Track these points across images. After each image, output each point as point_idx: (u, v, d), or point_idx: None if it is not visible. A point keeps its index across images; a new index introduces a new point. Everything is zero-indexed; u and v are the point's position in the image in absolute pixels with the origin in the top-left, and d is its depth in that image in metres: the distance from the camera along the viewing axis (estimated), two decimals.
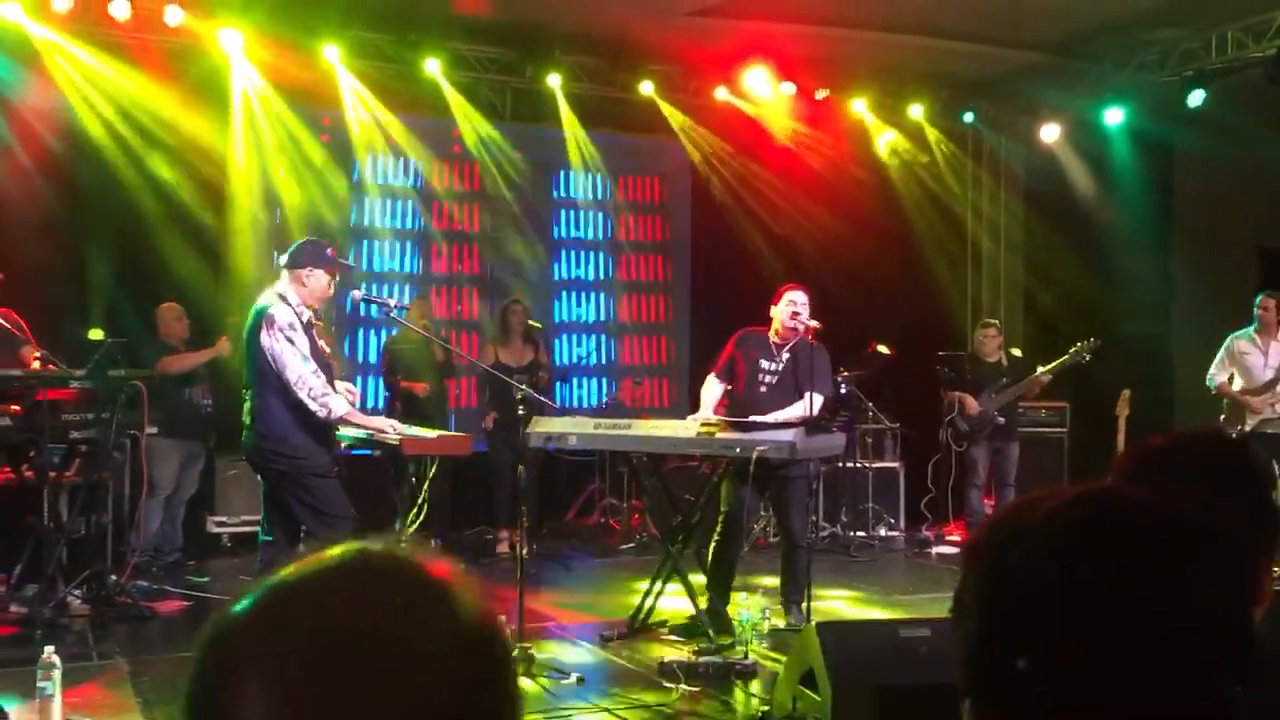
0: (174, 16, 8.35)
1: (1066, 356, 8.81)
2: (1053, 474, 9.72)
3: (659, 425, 6.73)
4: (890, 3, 8.81)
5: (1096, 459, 8.53)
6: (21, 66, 8.37)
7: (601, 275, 11.06)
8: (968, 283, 12.07)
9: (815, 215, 10.55)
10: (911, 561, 9.34)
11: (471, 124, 9.92)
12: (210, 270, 8.92)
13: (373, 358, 9.88)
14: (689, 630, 6.35)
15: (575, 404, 10.54)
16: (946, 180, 11.46)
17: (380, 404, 9.19)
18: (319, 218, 9.61)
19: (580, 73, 9.97)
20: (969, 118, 11.18)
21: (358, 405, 5.94)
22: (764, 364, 6.66)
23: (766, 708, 4.86)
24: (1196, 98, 9.63)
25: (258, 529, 5.90)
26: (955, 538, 9.64)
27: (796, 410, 6.41)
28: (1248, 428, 8.25)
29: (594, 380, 10.95)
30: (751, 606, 6.08)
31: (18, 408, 6.24)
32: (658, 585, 6.48)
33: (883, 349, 9.17)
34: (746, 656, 5.71)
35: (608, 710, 5.12)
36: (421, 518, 6.43)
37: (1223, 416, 8.43)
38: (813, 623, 4.80)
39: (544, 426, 6.45)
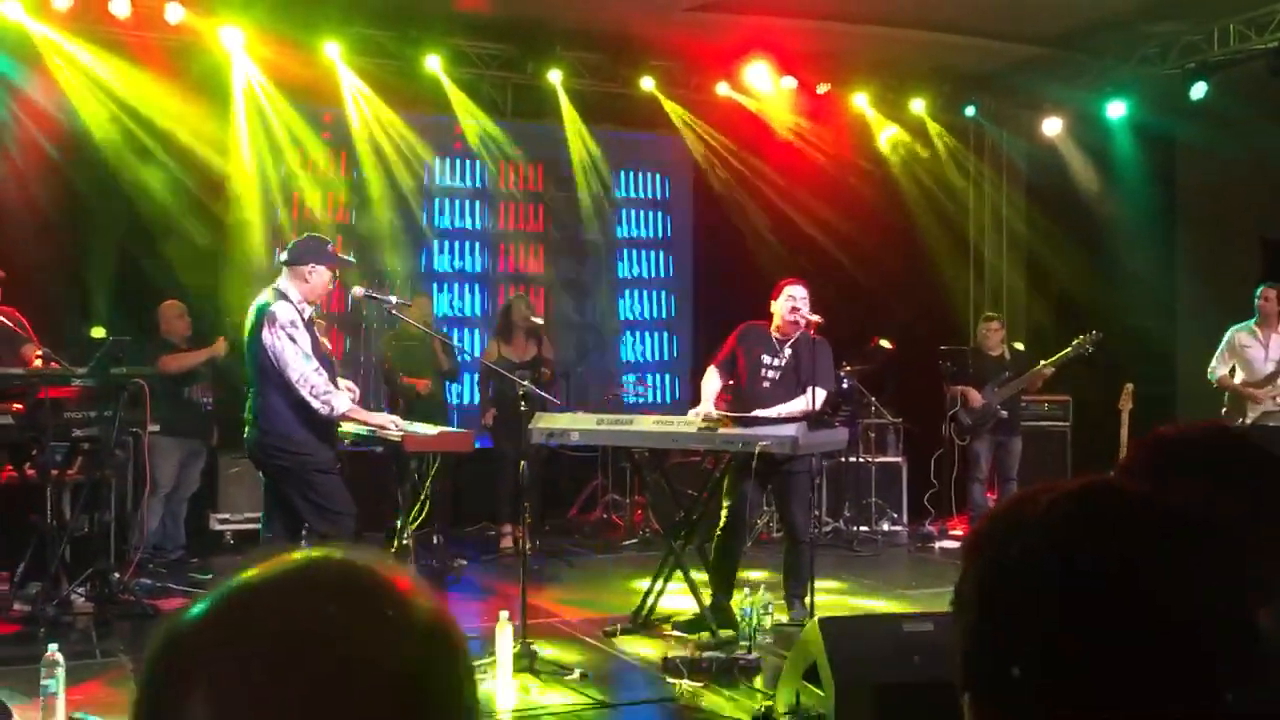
0: (174, 14, 8.34)
1: (1069, 350, 8.80)
2: (1055, 468, 9.71)
3: (661, 421, 6.73)
4: None
5: (1099, 453, 8.52)
6: (22, 65, 8.37)
7: (601, 272, 11.04)
8: (970, 277, 12.06)
9: (817, 210, 10.54)
10: (914, 556, 9.34)
11: (473, 120, 9.91)
12: (212, 268, 8.93)
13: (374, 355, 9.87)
14: (692, 626, 6.36)
15: (577, 399, 10.53)
16: (948, 174, 11.45)
17: (381, 401, 9.18)
18: (319, 215, 9.60)
19: (581, 69, 9.96)
20: (971, 112, 11.16)
21: (358, 402, 5.93)
22: (766, 359, 6.65)
23: (769, 703, 4.86)
24: (1199, 90, 9.61)
25: (260, 526, 5.90)
26: (958, 532, 9.63)
27: (798, 405, 6.40)
28: (1249, 420, 8.24)
29: (597, 376, 10.94)
30: (754, 602, 6.08)
31: (20, 406, 6.24)
32: (660, 581, 6.48)
33: (885, 343, 9.16)
34: (749, 652, 5.71)
35: (611, 706, 5.12)
36: (424, 514, 6.43)
37: (1224, 409, 8.42)
38: (815, 618, 4.79)
39: (547, 422, 6.45)
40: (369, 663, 0.77)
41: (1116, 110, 10.40)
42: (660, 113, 10.32)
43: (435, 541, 8.23)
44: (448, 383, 9.33)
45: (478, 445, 7.30)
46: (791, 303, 6.53)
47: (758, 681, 5.39)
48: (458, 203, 10.42)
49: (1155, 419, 8.88)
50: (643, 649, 6.08)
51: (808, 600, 6.41)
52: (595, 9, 9.18)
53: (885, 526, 9.94)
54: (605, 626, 6.43)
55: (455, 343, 9.52)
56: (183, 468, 8.03)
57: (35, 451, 6.51)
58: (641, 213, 11.19)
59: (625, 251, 11.10)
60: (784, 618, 6.48)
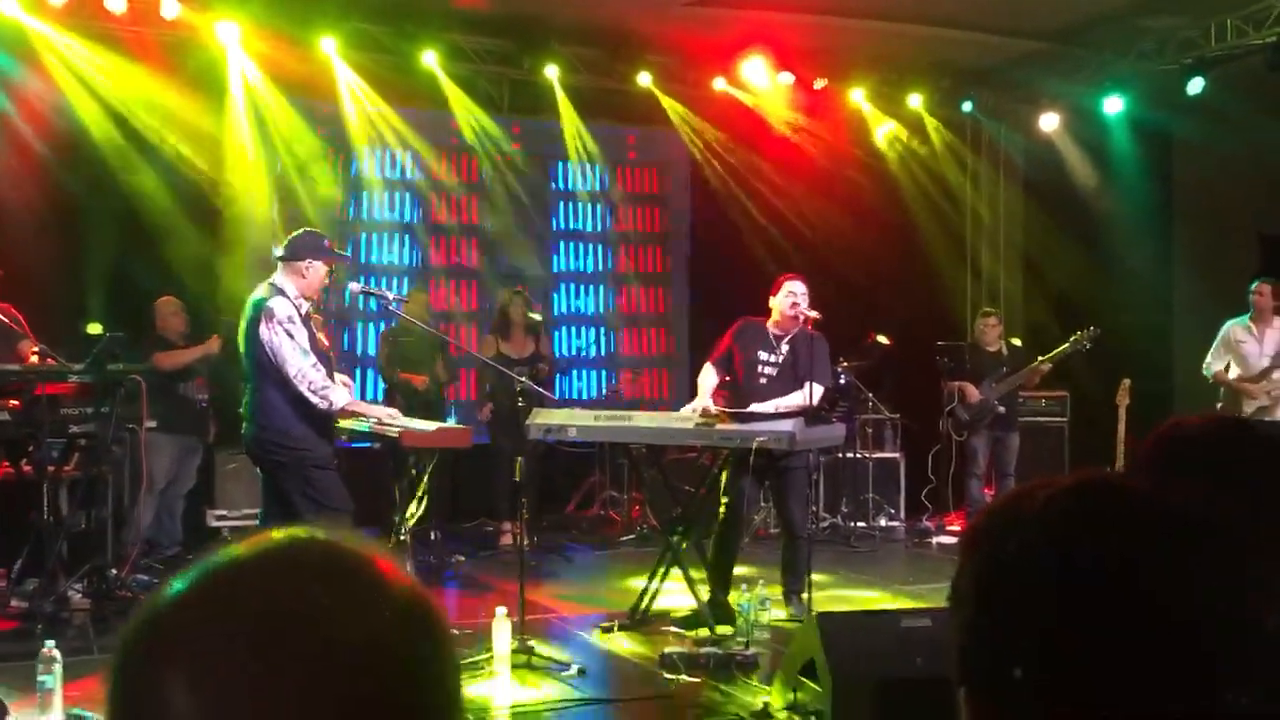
0: (170, 9, 8.32)
1: (1066, 345, 8.80)
2: (1053, 463, 9.71)
3: (658, 416, 6.73)
4: None
5: (1097, 448, 8.53)
6: (17, 60, 8.35)
7: (600, 267, 11.04)
8: (967, 272, 12.06)
9: (814, 206, 10.54)
10: (912, 552, 9.35)
11: (469, 116, 9.90)
12: (208, 263, 8.91)
13: (371, 350, 9.86)
14: (690, 621, 6.36)
15: (574, 396, 10.54)
16: (945, 170, 11.44)
17: (379, 396, 9.18)
18: (316, 209, 9.59)
19: (578, 64, 9.94)
20: (968, 107, 11.16)
21: (355, 397, 5.93)
22: (763, 356, 6.65)
23: (767, 699, 4.86)
24: (1196, 85, 9.60)
25: (257, 522, 5.90)
26: (956, 528, 9.64)
27: (795, 400, 6.40)
28: (1244, 415, 8.25)
29: (593, 372, 10.95)
30: (752, 597, 6.08)
31: (16, 402, 6.23)
32: (658, 577, 6.48)
33: (882, 339, 9.17)
34: (747, 647, 5.72)
35: (609, 701, 5.12)
36: (421, 510, 6.43)
37: (1219, 404, 8.44)
38: (813, 613, 4.80)
39: (544, 418, 6.45)
40: (350, 642, 0.77)
41: (1114, 105, 10.39)
42: (657, 108, 10.31)
43: (433, 537, 8.23)
44: (446, 374, 9.32)
45: (475, 441, 7.30)
46: (792, 298, 6.53)
47: (755, 678, 5.39)
48: (454, 198, 10.40)
49: (1153, 414, 8.91)
50: (640, 645, 6.08)
51: (805, 596, 6.42)
52: (592, 4, 9.17)
53: (883, 522, 9.95)
54: (603, 622, 6.43)
55: (453, 340, 9.50)
56: (178, 464, 8.02)
57: (32, 448, 6.50)
58: (638, 208, 11.18)
59: (622, 246, 11.09)
60: (782, 613, 6.48)
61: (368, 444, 6.58)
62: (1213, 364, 8.47)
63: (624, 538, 9.28)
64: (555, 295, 10.84)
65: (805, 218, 10.53)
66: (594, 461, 9.94)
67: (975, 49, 10.11)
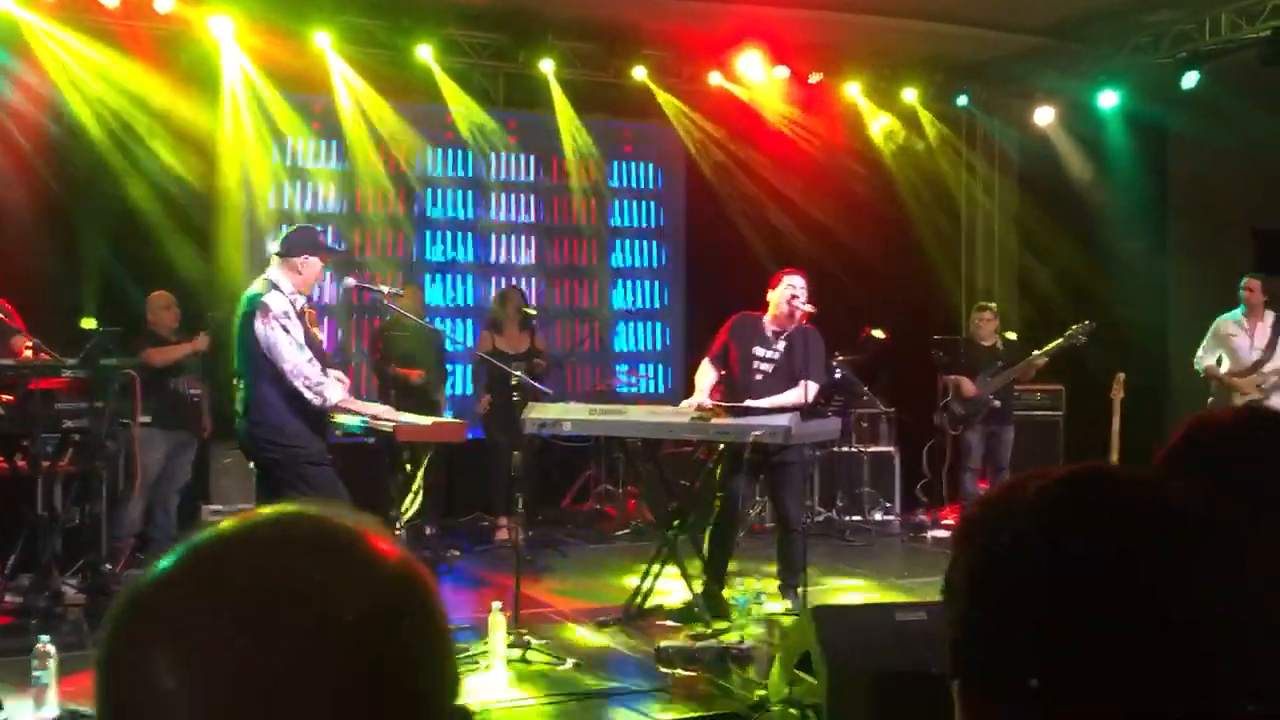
0: (164, 3, 8.31)
1: (1061, 339, 8.81)
2: (1048, 457, 9.71)
3: (654, 411, 6.73)
4: None
5: (1092, 442, 8.54)
6: (10, 54, 8.32)
7: (594, 261, 11.03)
8: (962, 266, 12.06)
9: (809, 200, 10.53)
10: (907, 546, 9.36)
11: (464, 110, 9.88)
12: (201, 258, 8.89)
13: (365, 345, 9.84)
14: (685, 615, 6.36)
15: (569, 390, 10.53)
16: (940, 164, 11.44)
17: (373, 392, 9.16)
18: (311, 204, 9.57)
19: (573, 58, 9.93)
20: (963, 101, 11.16)
21: (348, 393, 5.91)
22: (759, 351, 6.64)
23: (763, 692, 4.86)
24: (1191, 80, 9.60)
25: None
26: (950, 522, 9.64)
27: (791, 397, 6.40)
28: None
29: (588, 366, 10.94)
30: (747, 591, 6.09)
31: (10, 397, 6.22)
32: (654, 571, 6.48)
33: (877, 333, 9.16)
34: (743, 641, 5.72)
35: (604, 695, 5.13)
36: (417, 505, 6.42)
37: (1210, 399, 8.46)
38: (809, 607, 4.80)
39: (539, 413, 6.44)
40: (341, 616, 0.76)
41: (1108, 100, 10.40)
42: (652, 102, 10.29)
43: (428, 532, 8.22)
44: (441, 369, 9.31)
45: (470, 436, 7.29)
46: (791, 291, 6.53)
47: (751, 671, 5.40)
48: (449, 192, 10.38)
49: (1148, 408, 8.88)
50: (636, 639, 6.08)
51: (801, 590, 6.42)
52: None
53: (878, 516, 9.96)
54: (599, 616, 6.43)
55: (448, 334, 9.49)
56: (169, 459, 7.96)
57: (26, 443, 6.48)
58: (633, 202, 11.17)
59: (617, 241, 11.08)
60: (777, 607, 6.48)
61: (363, 439, 6.56)
62: (1204, 358, 8.50)
63: (619, 532, 9.28)
64: (551, 290, 10.82)
65: (800, 212, 10.52)
66: (589, 456, 9.94)
67: (970, 43, 10.10)
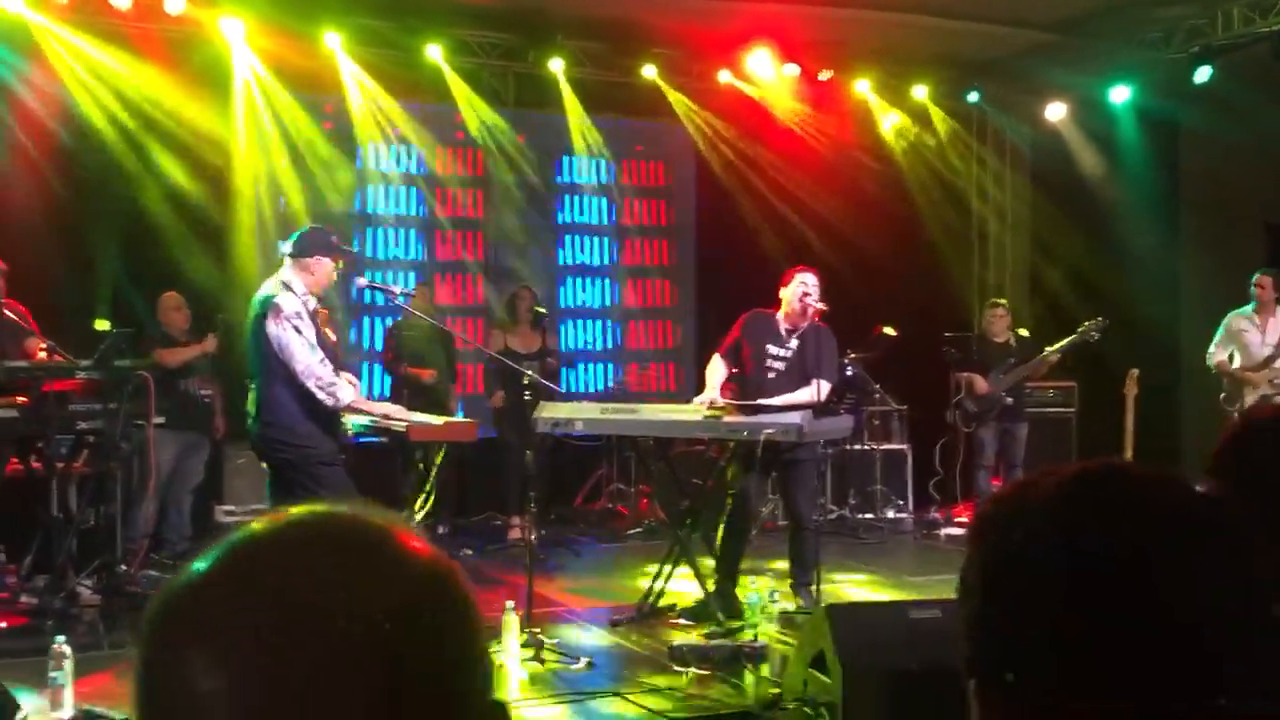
0: (175, 5, 8.33)
1: (1074, 336, 8.78)
2: (1060, 454, 9.69)
3: (665, 409, 6.72)
4: None
5: (1105, 439, 8.51)
6: (22, 57, 8.36)
7: (606, 260, 11.03)
8: (974, 263, 12.03)
9: (820, 197, 10.51)
10: (920, 543, 9.34)
11: (474, 110, 9.89)
12: (214, 259, 8.91)
13: (378, 345, 9.86)
14: (698, 614, 6.35)
15: (581, 389, 10.54)
16: (951, 161, 11.41)
17: (386, 391, 9.18)
18: (322, 205, 9.59)
19: (582, 57, 9.93)
20: (974, 98, 11.12)
21: (361, 393, 5.93)
22: (772, 349, 6.63)
23: (776, 690, 4.86)
24: (1203, 74, 9.56)
25: None
26: (963, 519, 9.62)
27: (803, 396, 6.39)
28: (1246, 405, 8.25)
29: (600, 365, 10.95)
30: (760, 590, 6.08)
31: (25, 399, 6.25)
32: (666, 569, 6.48)
33: (889, 331, 9.14)
34: (756, 640, 5.71)
35: (618, 694, 5.13)
36: (429, 504, 6.44)
37: (1222, 394, 8.44)
38: (822, 605, 4.79)
39: (551, 412, 6.45)
40: (374, 614, 0.76)
41: (1120, 95, 10.36)
42: (662, 101, 10.29)
43: (440, 532, 8.23)
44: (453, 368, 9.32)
45: (483, 435, 7.29)
46: (803, 289, 6.51)
47: (764, 670, 5.39)
48: (459, 193, 10.39)
49: (1160, 405, 8.83)
50: (649, 638, 6.08)
51: (814, 588, 6.42)
52: None
53: (890, 514, 9.94)
54: (612, 615, 6.44)
55: (459, 335, 9.50)
56: (180, 460, 7.98)
57: (41, 444, 6.51)
58: (644, 201, 11.16)
59: (628, 240, 11.08)
60: (790, 605, 6.47)
61: (375, 439, 6.59)
62: (1215, 354, 8.47)
63: (632, 531, 9.28)
64: (561, 289, 10.83)
65: (811, 210, 10.51)
66: (601, 455, 9.94)
67: (981, 39, 10.07)
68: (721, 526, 6.56)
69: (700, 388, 6.81)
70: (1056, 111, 10.86)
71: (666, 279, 11.22)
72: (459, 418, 8.09)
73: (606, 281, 11.03)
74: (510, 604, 5.33)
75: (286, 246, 5.61)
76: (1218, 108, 9.24)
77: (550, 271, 10.73)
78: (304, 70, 9.04)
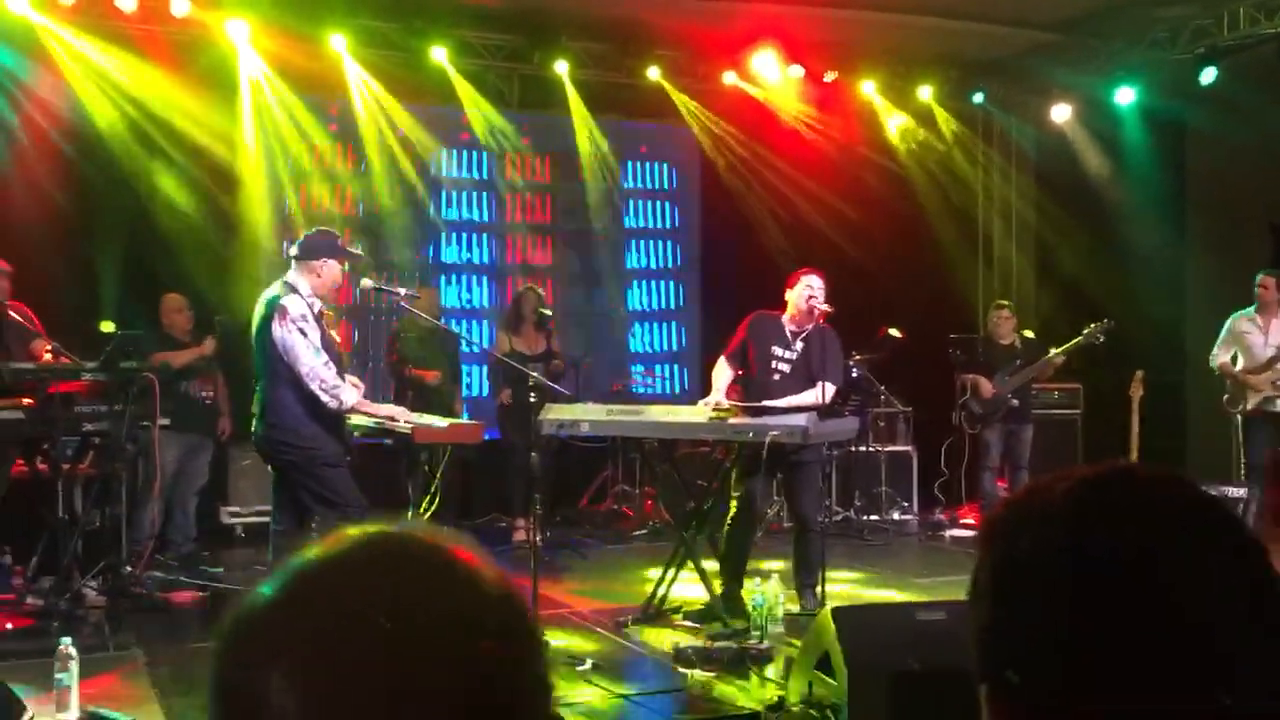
0: (180, 7, 8.35)
1: (1080, 338, 8.77)
2: (1066, 456, 9.68)
3: (671, 411, 6.72)
4: None
5: (1111, 441, 8.50)
6: (27, 59, 8.37)
7: (610, 262, 11.03)
8: (979, 265, 12.02)
9: (825, 199, 10.51)
10: (925, 545, 9.33)
11: (479, 112, 9.90)
12: (219, 261, 8.92)
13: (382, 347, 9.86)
14: (703, 616, 6.35)
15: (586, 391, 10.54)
16: (957, 162, 11.40)
17: (390, 393, 9.18)
18: (327, 207, 9.60)
19: (587, 59, 9.94)
20: (979, 99, 11.12)
21: (365, 396, 5.92)
22: (778, 351, 6.62)
23: (782, 693, 4.85)
24: (1209, 75, 9.55)
25: (270, 519, 5.91)
26: (969, 521, 9.62)
27: (808, 398, 6.39)
28: (1249, 406, 8.23)
29: (604, 367, 10.94)
30: (765, 591, 6.07)
31: (31, 401, 6.25)
32: (671, 571, 6.48)
33: (894, 332, 9.14)
34: (761, 641, 5.71)
35: (623, 696, 5.12)
36: (434, 506, 6.43)
37: (1225, 396, 8.42)
38: (827, 607, 4.79)
39: (556, 414, 6.44)
40: (449, 635, 0.78)
41: (1126, 96, 10.34)
42: (667, 102, 10.29)
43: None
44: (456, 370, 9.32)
45: (487, 437, 7.29)
46: (809, 291, 6.51)
47: (770, 671, 5.39)
48: (465, 194, 10.40)
49: (1166, 406, 8.81)
50: (654, 639, 6.08)
51: (819, 590, 6.41)
52: None
53: (896, 515, 9.94)
54: (617, 617, 6.43)
55: (463, 336, 9.50)
56: (184, 462, 7.97)
57: (46, 446, 6.52)
58: (649, 203, 11.16)
59: (633, 242, 11.08)
60: (795, 607, 6.47)
61: (380, 440, 6.58)
62: (1218, 355, 8.46)
63: (637, 532, 9.28)
64: (564, 290, 10.83)
65: (816, 211, 10.50)
66: (606, 456, 9.94)
67: (986, 40, 10.07)
68: (726, 528, 6.55)
69: (706, 390, 6.81)
70: (1062, 112, 10.85)
71: (672, 280, 11.22)
72: (464, 419, 8.10)
73: (611, 283, 11.01)
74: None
75: (293, 249, 5.61)
76: (1223, 108, 9.23)
77: (556, 273, 10.72)
78: (309, 72, 9.06)
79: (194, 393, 8.00)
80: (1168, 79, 9.95)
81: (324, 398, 5.32)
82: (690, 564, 6.38)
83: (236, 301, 8.37)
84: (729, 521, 6.54)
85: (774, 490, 8.19)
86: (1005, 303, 9.67)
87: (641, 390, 10.38)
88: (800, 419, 6.01)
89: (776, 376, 6.58)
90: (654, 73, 10.00)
